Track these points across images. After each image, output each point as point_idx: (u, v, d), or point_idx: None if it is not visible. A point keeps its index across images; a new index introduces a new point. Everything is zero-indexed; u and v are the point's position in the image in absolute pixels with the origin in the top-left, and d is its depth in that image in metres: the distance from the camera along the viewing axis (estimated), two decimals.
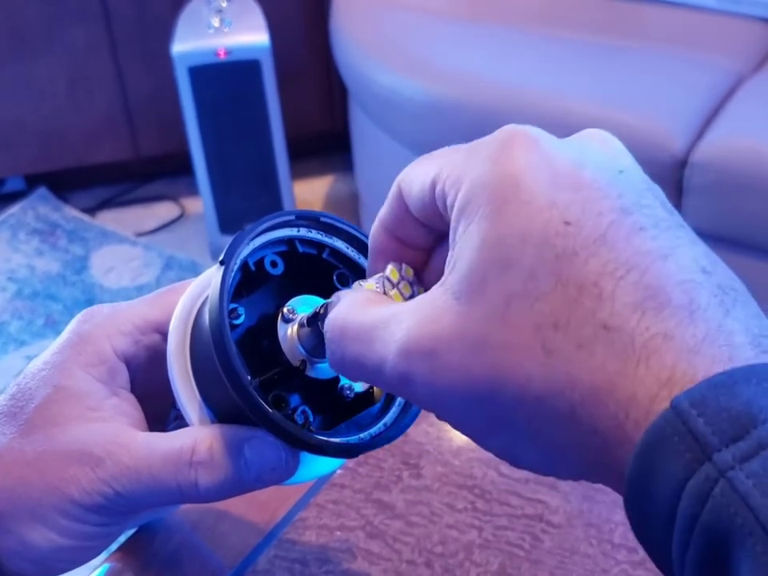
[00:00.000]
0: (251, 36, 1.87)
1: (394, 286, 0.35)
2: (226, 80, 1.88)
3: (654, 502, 0.26)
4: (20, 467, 0.39)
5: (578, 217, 0.28)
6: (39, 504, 0.38)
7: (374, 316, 0.32)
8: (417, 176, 0.33)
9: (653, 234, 0.29)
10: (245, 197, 2.01)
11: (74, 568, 0.41)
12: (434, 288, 0.31)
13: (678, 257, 0.28)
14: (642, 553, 0.49)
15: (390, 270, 0.35)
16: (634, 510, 0.27)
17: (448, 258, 0.30)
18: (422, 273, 0.36)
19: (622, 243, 0.28)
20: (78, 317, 0.42)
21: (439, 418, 0.31)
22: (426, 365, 0.29)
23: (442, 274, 0.31)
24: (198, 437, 0.38)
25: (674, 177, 1.48)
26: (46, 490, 0.38)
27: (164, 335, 0.41)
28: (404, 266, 0.35)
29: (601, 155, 0.31)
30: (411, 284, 0.35)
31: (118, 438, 0.39)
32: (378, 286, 0.35)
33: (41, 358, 0.41)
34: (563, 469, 0.30)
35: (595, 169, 0.30)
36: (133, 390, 0.42)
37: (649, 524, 0.26)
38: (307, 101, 2.22)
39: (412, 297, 0.34)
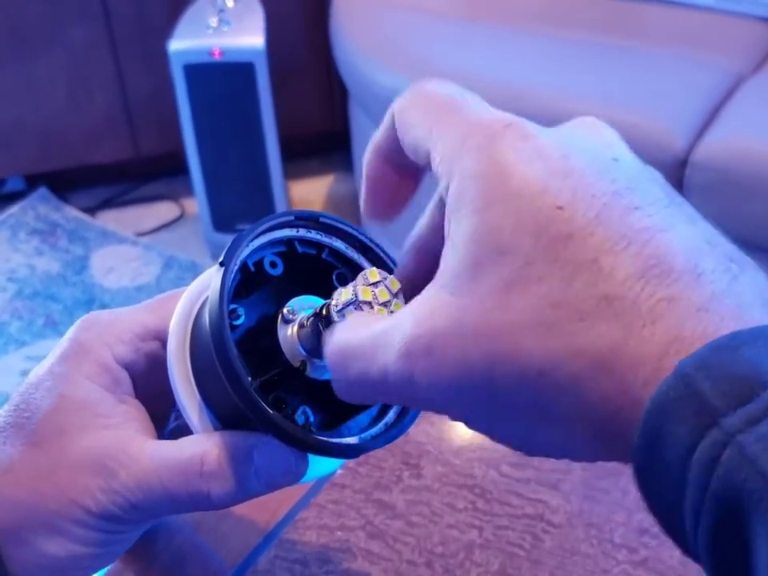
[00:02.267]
0: (246, 38, 1.87)
1: (369, 284, 0.35)
2: (221, 80, 1.89)
3: (663, 469, 0.25)
4: (34, 480, 0.38)
5: (570, 201, 0.28)
6: (56, 515, 0.38)
7: (372, 330, 0.32)
8: (409, 127, 0.33)
9: (649, 212, 0.28)
10: (238, 196, 2.02)
11: (92, 574, 0.41)
12: (428, 287, 0.30)
13: (678, 230, 0.28)
14: (642, 553, 0.49)
15: (371, 271, 0.35)
16: (643, 478, 0.26)
17: (443, 251, 0.30)
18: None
19: (616, 222, 0.28)
20: (78, 324, 0.42)
21: (452, 418, 0.31)
22: (426, 363, 0.29)
23: (421, 277, 0.33)
24: (207, 447, 0.38)
25: (674, 176, 1.48)
26: (62, 501, 0.38)
27: (163, 343, 0.41)
28: (390, 277, 0.35)
29: (593, 143, 0.31)
30: (392, 294, 0.35)
31: (130, 448, 0.39)
32: (351, 286, 0.35)
33: (42, 367, 0.41)
34: (575, 447, 0.29)
35: (586, 156, 0.30)
36: (135, 396, 0.42)
37: (659, 493, 0.26)
38: (307, 100, 2.22)
39: (386, 305, 0.35)
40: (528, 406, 0.28)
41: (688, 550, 0.26)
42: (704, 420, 0.24)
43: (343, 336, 0.33)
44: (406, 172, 0.35)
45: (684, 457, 0.25)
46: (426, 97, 0.34)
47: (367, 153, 0.36)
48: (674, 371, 0.25)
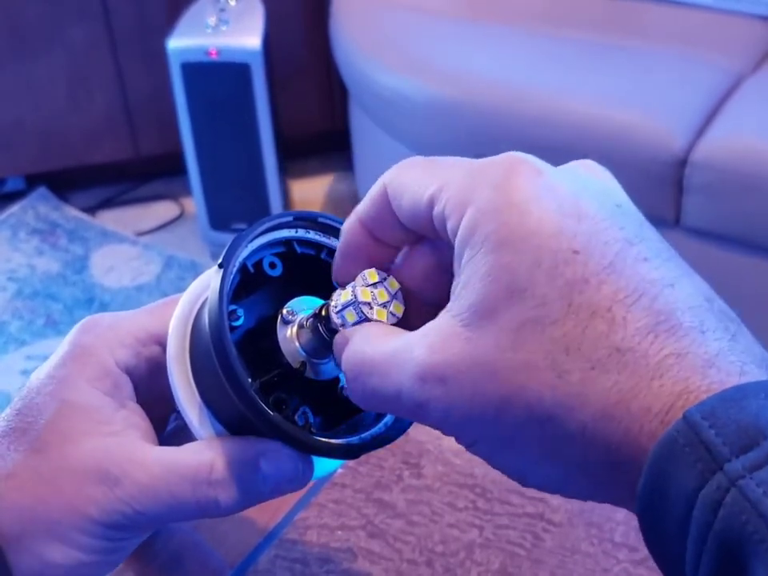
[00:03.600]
0: (243, 39, 1.87)
1: (368, 285, 0.35)
2: (217, 80, 1.88)
3: (667, 511, 0.26)
4: (35, 486, 0.38)
5: (585, 246, 0.29)
6: (59, 523, 0.38)
7: (387, 347, 0.32)
8: (409, 185, 0.33)
9: (656, 264, 0.30)
10: (235, 195, 2.02)
11: None
12: (441, 315, 0.31)
13: (682, 285, 0.29)
14: (642, 551, 0.49)
15: (369, 271, 0.35)
16: (647, 520, 0.27)
17: (453, 285, 0.31)
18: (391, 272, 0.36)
19: (629, 271, 0.29)
20: (78, 327, 0.42)
21: (458, 441, 0.32)
22: (439, 391, 0.30)
23: (416, 278, 0.34)
24: (215, 454, 0.38)
25: (674, 176, 1.48)
26: (65, 509, 0.38)
27: (164, 347, 0.41)
28: (389, 278, 0.35)
29: (598, 187, 0.32)
30: (391, 295, 0.35)
31: (133, 454, 0.38)
32: (350, 287, 0.35)
33: (43, 371, 0.41)
34: (571, 487, 0.31)
35: (595, 200, 0.31)
36: (136, 400, 0.42)
37: (662, 534, 0.27)
38: (307, 100, 2.22)
39: (385, 306, 0.35)
40: (532, 444, 0.30)
41: None
42: (709, 465, 0.26)
43: (361, 348, 0.34)
44: (386, 244, 0.36)
45: (688, 499, 0.26)
46: (418, 161, 0.34)
47: (348, 221, 0.36)
48: (683, 418, 0.26)
